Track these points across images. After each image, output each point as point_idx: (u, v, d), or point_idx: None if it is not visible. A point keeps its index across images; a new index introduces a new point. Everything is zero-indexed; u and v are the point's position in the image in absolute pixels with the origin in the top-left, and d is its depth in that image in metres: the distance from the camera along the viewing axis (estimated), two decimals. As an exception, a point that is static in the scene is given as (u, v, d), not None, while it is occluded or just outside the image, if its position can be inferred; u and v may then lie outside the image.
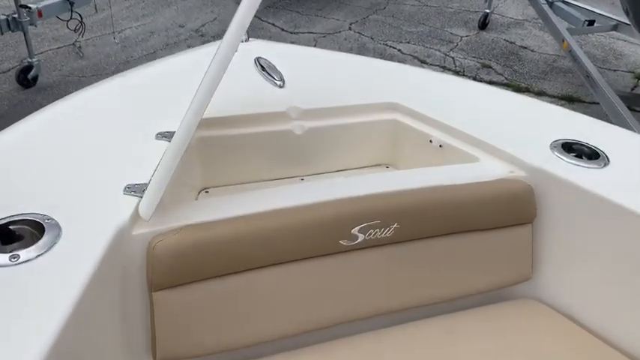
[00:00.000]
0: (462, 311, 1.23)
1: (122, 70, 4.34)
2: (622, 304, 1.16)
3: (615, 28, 4.15)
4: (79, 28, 4.12)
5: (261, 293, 1.09)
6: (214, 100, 1.46)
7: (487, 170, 1.23)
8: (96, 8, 4.63)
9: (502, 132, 1.34)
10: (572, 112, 1.47)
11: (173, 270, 1.01)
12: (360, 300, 1.16)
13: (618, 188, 1.12)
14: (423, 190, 1.17)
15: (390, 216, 1.13)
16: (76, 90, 1.50)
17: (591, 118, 1.46)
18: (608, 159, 1.23)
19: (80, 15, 4.11)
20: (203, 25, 5.20)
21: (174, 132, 1.25)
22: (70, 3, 4.05)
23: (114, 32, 4.89)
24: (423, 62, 4.66)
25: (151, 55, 4.57)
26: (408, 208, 1.14)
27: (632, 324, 1.15)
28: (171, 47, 4.73)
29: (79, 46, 4.43)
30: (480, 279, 1.24)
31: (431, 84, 1.66)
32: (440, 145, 1.32)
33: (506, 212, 1.21)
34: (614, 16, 4.13)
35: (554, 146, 1.27)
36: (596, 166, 1.21)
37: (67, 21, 4.04)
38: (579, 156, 1.24)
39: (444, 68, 4.57)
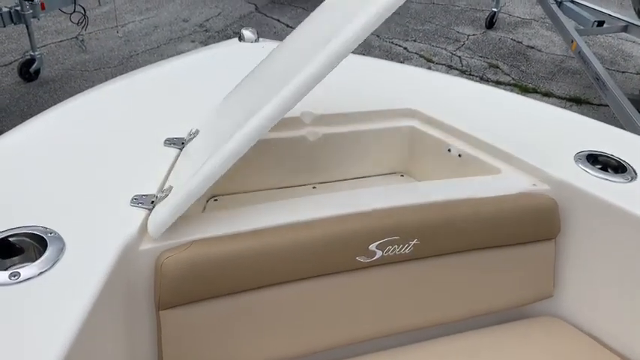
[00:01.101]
0: (483, 329, 1.19)
1: (125, 65, 4.32)
2: None
3: (625, 29, 4.10)
4: (82, 22, 4.08)
5: (274, 312, 1.04)
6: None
7: (509, 183, 1.18)
8: (99, 1, 4.58)
9: (524, 142, 1.29)
10: (598, 122, 1.41)
11: (182, 288, 0.96)
12: (377, 319, 1.12)
13: None
14: (444, 204, 1.13)
15: (409, 232, 1.08)
16: (79, 83, 1.46)
17: (617, 129, 1.40)
18: (635, 172, 1.19)
19: (83, 8, 4.06)
20: (207, 20, 5.15)
21: (183, 138, 1.21)
22: (73, -5, 4.01)
23: (117, 26, 4.84)
24: (429, 61, 4.61)
25: (155, 50, 4.52)
26: (428, 223, 1.10)
27: None
28: (175, 42, 4.68)
29: (82, 40, 4.38)
30: (501, 296, 1.20)
31: (450, 89, 1.60)
32: (459, 155, 1.27)
33: (529, 228, 1.17)
34: (623, 17, 4.08)
35: (578, 158, 1.23)
36: (622, 179, 1.17)
37: (70, 14, 4.00)
38: (605, 169, 1.19)
39: (450, 67, 4.53)
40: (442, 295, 1.15)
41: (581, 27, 4.13)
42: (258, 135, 0.90)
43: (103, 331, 0.86)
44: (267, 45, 1.77)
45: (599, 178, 1.17)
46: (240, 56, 1.70)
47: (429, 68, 4.44)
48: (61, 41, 4.58)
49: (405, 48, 4.81)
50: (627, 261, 1.12)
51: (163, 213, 0.95)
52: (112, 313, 0.90)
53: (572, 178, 1.17)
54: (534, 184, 1.18)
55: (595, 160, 1.22)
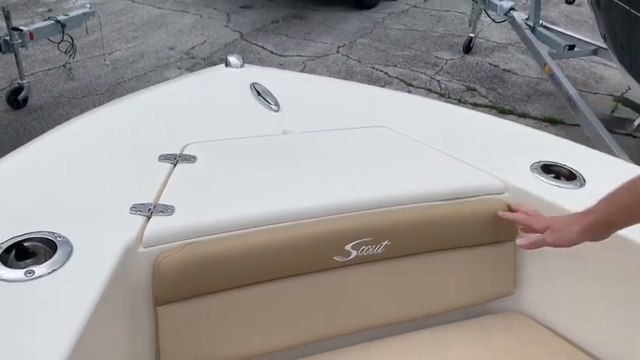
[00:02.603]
0: (449, 324, 1.28)
1: (112, 92, 4.40)
2: (600, 315, 1.23)
3: (595, 52, 4.29)
4: (69, 50, 4.16)
5: (260, 307, 1.14)
6: (213, 124, 1.52)
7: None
8: (87, 30, 4.67)
9: (486, 153, 1.41)
10: (552, 136, 1.55)
11: (177, 285, 1.06)
12: (354, 314, 1.21)
13: None
14: (412, 209, 1.24)
15: (381, 233, 1.19)
16: (67, 110, 1.55)
17: (570, 142, 1.54)
18: (584, 180, 1.30)
19: (71, 37, 4.15)
20: (193, 48, 5.27)
21: (175, 154, 1.32)
22: (61, 25, 4.09)
23: (104, 54, 4.93)
24: (409, 85, 4.76)
25: (142, 77, 4.62)
26: (398, 225, 1.21)
27: (610, 334, 1.21)
28: (161, 69, 4.78)
29: (70, 68, 4.46)
30: (466, 293, 1.30)
31: (417, 109, 1.75)
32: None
33: (490, 230, 1.28)
34: (593, 41, 4.27)
35: (534, 167, 1.34)
36: (573, 186, 1.29)
37: (59, 43, 4.08)
38: (558, 177, 1.31)
39: (430, 91, 4.68)
40: (411, 292, 1.25)
41: (554, 51, 4.32)
42: None
43: (106, 325, 0.95)
44: (252, 70, 1.87)
45: (552, 185, 1.29)
46: (226, 81, 1.80)
47: (409, 92, 4.59)
48: (49, 69, 4.66)
49: (386, 73, 4.96)
50: (579, 259, 1.23)
51: (166, 230, 1.07)
52: (114, 309, 0.98)
53: (527, 185, 1.29)
54: (495, 192, 1.29)
55: (549, 169, 1.34)
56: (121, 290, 1.01)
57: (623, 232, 1.12)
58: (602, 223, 1.01)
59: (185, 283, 1.06)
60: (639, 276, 1.14)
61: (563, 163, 1.35)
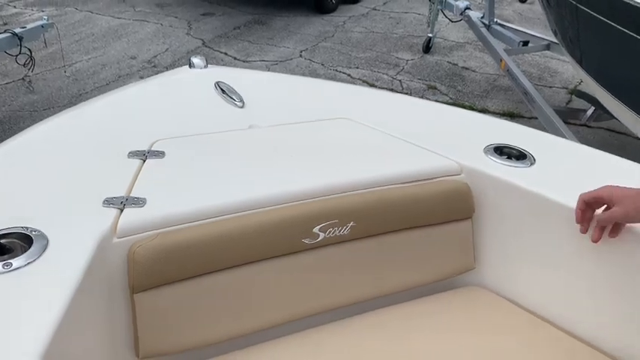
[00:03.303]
0: (415, 300, 1.35)
1: (75, 103, 4.35)
2: (554, 283, 1.30)
3: (548, 47, 4.45)
4: (28, 63, 4.10)
5: (233, 291, 1.17)
6: (179, 122, 1.55)
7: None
8: (45, 43, 4.60)
9: (442, 139, 1.49)
10: (503, 120, 1.65)
11: (152, 272, 1.09)
12: (323, 294, 1.26)
13: (542, 183, 1.28)
14: (375, 192, 1.30)
15: (346, 215, 1.24)
16: (28, 124, 1.56)
17: (520, 125, 1.64)
18: (534, 159, 1.39)
19: (29, 50, 4.09)
20: (155, 57, 5.26)
21: (144, 150, 1.34)
22: (18, 38, 4.03)
23: (64, 66, 4.87)
24: (372, 85, 4.85)
25: (104, 87, 4.58)
26: (362, 207, 1.26)
27: (564, 300, 1.28)
28: (123, 79, 4.75)
29: (29, 81, 4.39)
30: (430, 270, 1.37)
31: (377, 101, 1.82)
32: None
33: (449, 209, 1.35)
34: (546, 37, 4.43)
35: (487, 150, 1.42)
36: (523, 165, 1.37)
37: (16, 56, 4.02)
38: (509, 157, 1.39)
39: (392, 91, 4.77)
40: (377, 271, 1.31)
41: (509, 47, 4.46)
42: None
43: (84, 314, 0.97)
44: (216, 70, 1.90)
45: (504, 165, 1.37)
46: (190, 81, 1.83)
47: (373, 92, 4.67)
48: (7, 83, 4.58)
49: (349, 75, 5.04)
50: (531, 232, 1.31)
51: (139, 220, 1.11)
52: (92, 299, 1.01)
53: (481, 166, 1.37)
54: (451, 173, 1.37)
55: (501, 151, 1.42)
56: (98, 280, 1.04)
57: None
58: None
59: (159, 270, 1.10)
60: (592, 250, 1.21)
61: (514, 145, 1.43)
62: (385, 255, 1.32)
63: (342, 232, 1.24)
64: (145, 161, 1.32)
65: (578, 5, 3.30)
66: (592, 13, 3.15)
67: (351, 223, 1.24)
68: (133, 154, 1.33)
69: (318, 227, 1.22)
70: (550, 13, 4.03)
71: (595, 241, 1.17)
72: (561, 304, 1.29)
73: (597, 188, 1.15)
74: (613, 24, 2.90)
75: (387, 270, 1.32)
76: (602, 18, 3.03)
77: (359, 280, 1.30)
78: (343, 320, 1.27)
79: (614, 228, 1.16)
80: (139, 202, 1.15)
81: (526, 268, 1.35)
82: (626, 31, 2.77)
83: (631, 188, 1.11)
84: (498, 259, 1.40)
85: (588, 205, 1.17)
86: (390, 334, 1.23)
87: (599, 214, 1.16)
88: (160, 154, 1.34)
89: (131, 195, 1.18)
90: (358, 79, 4.97)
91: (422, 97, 4.61)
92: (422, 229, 1.34)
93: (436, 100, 4.56)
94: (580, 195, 1.17)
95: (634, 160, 1.38)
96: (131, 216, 1.12)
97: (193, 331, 1.14)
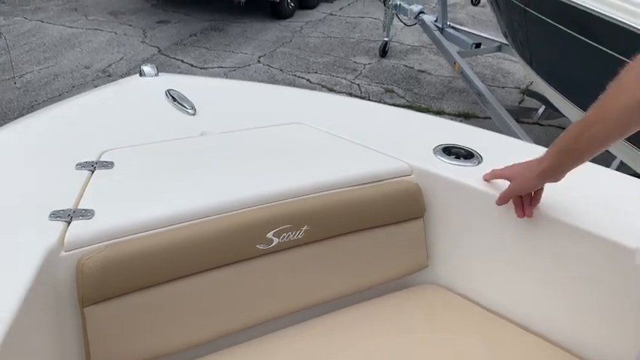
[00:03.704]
0: (371, 300, 1.36)
1: (26, 115, 4.23)
2: (503, 277, 1.34)
3: (499, 49, 4.57)
4: (-25, 75, 3.98)
5: (187, 300, 1.16)
6: (129, 131, 1.52)
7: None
8: (-7, 53, 4.49)
9: (393, 141, 1.52)
10: (451, 121, 1.69)
11: (101, 285, 1.07)
12: (279, 299, 1.26)
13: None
14: (328, 195, 1.31)
15: (300, 220, 1.25)
16: None
17: (467, 125, 1.69)
18: (481, 157, 1.43)
19: (-24, 61, 3.98)
20: (109, 66, 5.17)
21: (92, 161, 1.32)
22: (-36, 49, 3.91)
23: (14, 77, 4.74)
24: (331, 90, 4.88)
25: (57, 98, 4.47)
26: (316, 211, 1.27)
27: (513, 294, 1.32)
28: (77, 89, 4.65)
29: (-23, 93, 4.26)
30: (384, 270, 1.38)
31: (330, 105, 1.84)
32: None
33: (400, 209, 1.38)
34: (497, 39, 4.55)
35: (436, 150, 1.46)
36: (471, 164, 1.40)
37: (-38, 68, 3.90)
38: (458, 157, 1.42)
39: (351, 95, 4.81)
40: (333, 273, 1.32)
41: (462, 50, 4.56)
42: None
43: (32, 328, 0.95)
44: (167, 78, 1.88)
45: (453, 164, 1.40)
46: (140, 90, 1.81)
47: (331, 97, 4.70)
48: (-47, 96, 4.43)
49: (308, 80, 5.06)
50: (479, 228, 1.35)
51: (87, 233, 1.09)
52: (40, 313, 0.99)
53: (431, 166, 1.40)
54: (402, 174, 1.40)
55: (449, 151, 1.45)
56: (46, 294, 1.01)
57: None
58: (553, 167, 1.13)
59: (109, 283, 1.08)
60: (538, 243, 1.26)
61: (462, 145, 1.47)
62: (340, 257, 1.33)
63: (297, 237, 1.25)
64: (93, 172, 1.29)
65: (526, 8, 3.41)
66: (539, 15, 3.25)
67: (305, 227, 1.25)
68: (81, 166, 1.30)
69: (272, 232, 1.22)
70: (500, 16, 4.14)
71: (519, 217, 1.24)
72: (511, 298, 1.33)
73: (502, 168, 1.26)
74: (559, 26, 3.00)
75: (342, 272, 1.33)
76: (549, 20, 3.14)
77: (314, 283, 1.30)
78: (300, 324, 1.27)
79: (529, 202, 1.23)
80: (86, 214, 1.13)
81: (476, 264, 1.38)
82: (572, 32, 2.87)
83: (527, 161, 1.19)
84: (450, 257, 1.43)
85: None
86: (347, 336, 1.25)
87: (503, 192, 1.24)
88: (108, 165, 1.32)
89: (79, 207, 1.15)
90: (317, 84, 4.99)
91: (380, 101, 4.66)
92: (375, 230, 1.36)
93: (393, 103, 4.63)
94: (483, 176, 1.30)
95: None
96: (79, 228, 1.10)
97: (146, 343, 1.12)
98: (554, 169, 1.13)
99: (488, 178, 1.30)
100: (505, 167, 1.25)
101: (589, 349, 1.21)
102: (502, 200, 1.25)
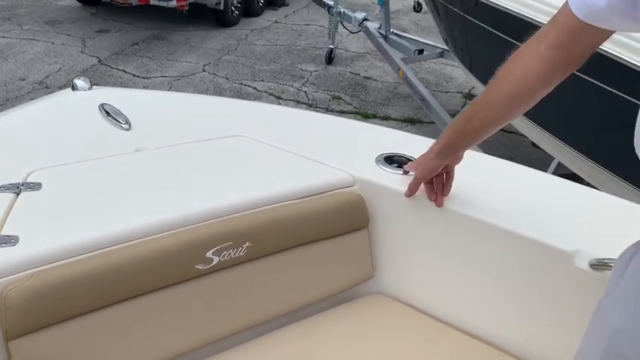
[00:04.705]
0: (318, 314, 1.34)
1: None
2: (445, 284, 1.35)
3: (442, 55, 4.68)
4: None
5: (122, 326, 1.10)
6: (59, 149, 1.45)
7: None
8: None
9: (335, 152, 1.51)
10: (393, 130, 1.71)
11: (27, 316, 1.00)
12: (222, 319, 1.22)
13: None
14: (270, 210, 1.28)
15: (241, 236, 1.21)
16: None
17: (407, 134, 1.71)
18: None
19: None
20: (47, 77, 4.97)
21: (17, 183, 1.24)
22: None
23: (-58, 90, 4.49)
24: (278, 98, 4.86)
25: (-11, 112, 4.26)
26: (257, 226, 1.24)
27: (455, 300, 1.34)
28: (12, 101, 4.45)
29: None
30: (330, 282, 1.37)
31: (272, 116, 1.81)
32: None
33: (344, 221, 1.36)
34: (439, 45, 4.65)
35: (378, 160, 1.45)
36: (412, 172, 1.40)
37: None
38: (399, 166, 1.43)
39: (298, 102, 4.81)
40: (278, 289, 1.29)
41: (406, 56, 4.64)
42: None
43: None
44: (101, 92, 1.81)
45: (394, 173, 1.40)
46: (73, 104, 1.73)
47: (279, 104, 4.68)
48: None
49: (255, 88, 5.02)
50: (421, 236, 1.36)
51: (10, 261, 1.02)
52: None
53: (373, 176, 1.40)
54: (344, 185, 1.39)
55: (391, 160, 1.45)
56: None
57: (460, 210, 1.26)
58: (447, 147, 1.19)
59: (36, 313, 1.01)
60: (476, 248, 1.28)
61: (403, 153, 1.47)
62: (284, 272, 1.30)
63: (238, 254, 1.21)
64: (18, 195, 1.22)
65: (465, 15, 3.49)
66: (477, 22, 3.34)
67: (247, 244, 1.22)
68: (5, 188, 1.23)
69: (212, 251, 1.17)
70: (440, 23, 4.23)
71: (432, 200, 1.30)
72: (452, 304, 1.34)
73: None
74: (496, 32, 3.09)
75: (287, 287, 1.31)
76: (486, 27, 3.23)
77: (259, 301, 1.27)
78: (246, 343, 1.24)
79: (441, 190, 1.29)
80: (9, 240, 1.06)
81: (419, 272, 1.39)
82: (508, 38, 2.96)
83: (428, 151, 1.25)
84: (395, 266, 1.43)
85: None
86: (296, 351, 1.22)
87: (410, 182, 1.30)
88: (35, 186, 1.25)
89: (1, 234, 1.08)
90: (264, 91, 4.96)
91: (327, 108, 4.68)
92: (319, 242, 1.34)
93: (341, 110, 4.65)
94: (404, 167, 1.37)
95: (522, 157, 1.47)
96: (1, 256, 1.03)
97: None
98: (450, 147, 1.19)
99: (407, 170, 1.37)
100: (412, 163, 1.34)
101: (530, 353, 1.23)
102: (411, 191, 1.30)
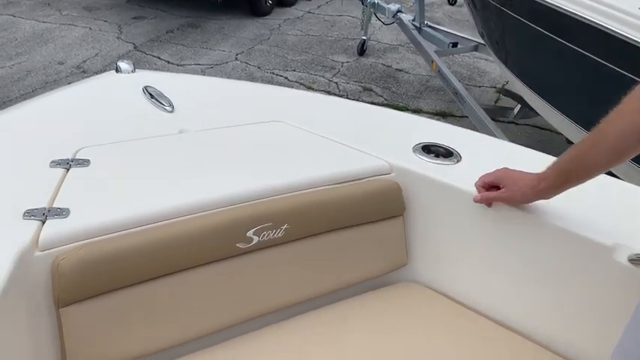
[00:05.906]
0: (351, 298, 1.37)
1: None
2: (480, 274, 1.36)
3: (476, 48, 4.62)
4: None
5: (165, 300, 1.15)
6: (105, 128, 1.50)
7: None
8: (-37, 48, 4.37)
9: (373, 140, 1.53)
10: (430, 120, 1.70)
11: (78, 285, 1.05)
12: (260, 297, 1.25)
13: (467, 179, 1.32)
14: (308, 194, 1.31)
15: (280, 218, 1.24)
16: None
17: (446, 124, 1.71)
18: (460, 156, 1.44)
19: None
20: (84, 62, 5.08)
21: (67, 159, 1.30)
22: None
23: (-15, 73, 4.63)
24: (309, 88, 4.87)
25: (30, 95, 4.38)
26: (296, 209, 1.27)
27: (490, 290, 1.34)
28: (51, 85, 4.56)
29: (-54, 89, 4.15)
30: (364, 268, 1.39)
31: (310, 103, 1.84)
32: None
33: (380, 207, 1.38)
34: (474, 39, 4.60)
35: (415, 149, 1.47)
36: (450, 162, 1.42)
37: None
38: (437, 156, 1.44)
39: (329, 93, 4.81)
40: (313, 271, 1.32)
41: (439, 49, 4.60)
42: None
43: (6, 329, 0.93)
44: (144, 74, 1.86)
45: (432, 163, 1.41)
46: (117, 86, 1.78)
47: (310, 95, 4.69)
48: None
49: (286, 77, 5.05)
50: (457, 226, 1.36)
51: (62, 232, 1.07)
52: (14, 314, 0.97)
53: (410, 164, 1.41)
54: (382, 172, 1.40)
55: (429, 149, 1.46)
56: (20, 295, 0.99)
57: (495, 205, 1.27)
58: (553, 188, 1.15)
59: (86, 283, 1.06)
60: (513, 239, 1.28)
61: (441, 143, 1.48)
62: (320, 255, 1.33)
63: (277, 235, 1.24)
64: (68, 170, 1.27)
65: (502, 8, 3.45)
66: (515, 15, 3.29)
67: (285, 226, 1.25)
68: (56, 163, 1.28)
69: (252, 231, 1.21)
70: (476, 15, 4.18)
71: (488, 206, 1.26)
72: (488, 295, 1.35)
73: (495, 170, 1.25)
74: (535, 26, 3.04)
75: (322, 270, 1.33)
76: (524, 20, 3.18)
77: (295, 281, 1.30)
78: (280, 323, 1.27)
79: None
80: (61, 212, 1.11)
81: (454, 261, 1.40)
82: (547, 32, 2.91)
83: (523, 172, 1.20)
84: (429, 254, 1.44)
85: (490, 186, 1.26)
86: (327, 334, 1.25)
87: (488, 192, 1.25)
88: (84, 163, 1.30)
89: (53, 206, 1.13)
90: (295, 81, 4.98)
91: (358, 99, 4.67)
92: (355, 228, 1.36)
93: (371, 102, 4.64)
94: (481, 176, 1.28)
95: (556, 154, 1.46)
96: (54, 228, 1.07)
97: (123, 344, 1.10)
98: (554, 189, 1.15)
99: (480, 185, 1.28)
100: (493, 173, 1.25)
101: (564, 345, 1.23)
102: (485, 201, 1.26)
